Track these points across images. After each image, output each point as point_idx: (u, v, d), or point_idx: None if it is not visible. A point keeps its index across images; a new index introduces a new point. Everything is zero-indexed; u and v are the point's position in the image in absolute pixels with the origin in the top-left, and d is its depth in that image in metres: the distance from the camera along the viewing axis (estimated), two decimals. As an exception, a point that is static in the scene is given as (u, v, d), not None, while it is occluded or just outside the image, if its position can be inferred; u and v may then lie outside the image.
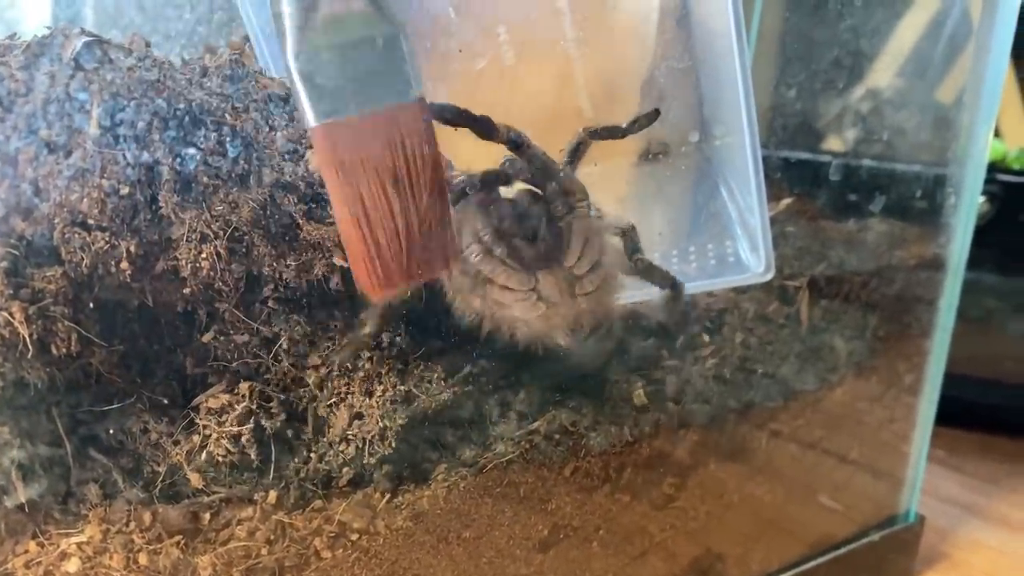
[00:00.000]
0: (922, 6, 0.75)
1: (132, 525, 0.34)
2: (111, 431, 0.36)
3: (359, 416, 0.37)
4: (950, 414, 0.63)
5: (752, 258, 0.47)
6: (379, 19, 0.29)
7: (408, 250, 0.30)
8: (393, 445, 0.37)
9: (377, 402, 0.37)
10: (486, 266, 0.37)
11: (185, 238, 0.33)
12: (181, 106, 0.31)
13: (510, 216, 0.37)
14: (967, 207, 0.59)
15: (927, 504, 0.64)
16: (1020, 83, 0.99)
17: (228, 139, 0.32)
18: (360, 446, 0.36)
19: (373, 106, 0.29)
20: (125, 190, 0.31)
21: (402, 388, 0.37)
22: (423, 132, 0.30)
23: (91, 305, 0.33)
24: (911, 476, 0.61)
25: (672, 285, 0.43)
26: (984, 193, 0.74)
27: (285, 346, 0.38)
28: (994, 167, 0.85)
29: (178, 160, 0.31)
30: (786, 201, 0.56)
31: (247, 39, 0.41)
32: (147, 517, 0.35)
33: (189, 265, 0.34)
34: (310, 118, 0.28)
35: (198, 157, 0.32)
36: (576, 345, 0.40)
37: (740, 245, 0.48)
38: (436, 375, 0.40)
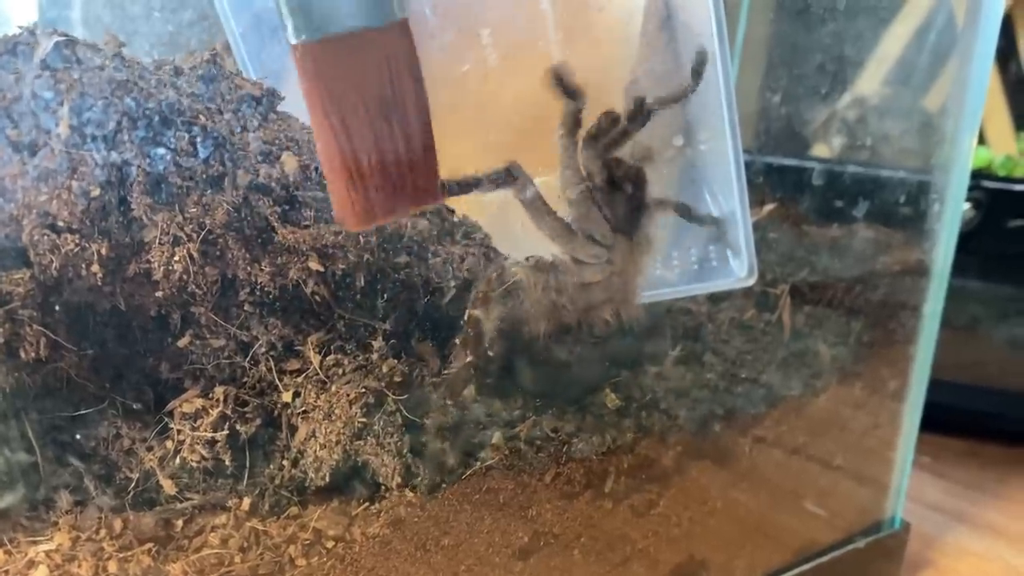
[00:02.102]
0: (909, 14, 0.75)
1: (102, 532, 0.34)
2: (82, 437, 0.36)
3: (313, 434, 0.36)
4: (935, 420, 0.63)
5: (735, 263, 0.46)
6: None
7: (391, 180, 0.29)
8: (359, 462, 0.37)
9: (337, 428, 0.36)
10: (581, 207, 0.38)
11: (158, 240, 0.33)
12: (151, 106, 0.31)
13: (623, 169, 0.38)
14: (951, 213, 0.59)
15: (912, 510, 0.63)
16: (1005, 90, 0.99)
17: (200, 140, 0.32)
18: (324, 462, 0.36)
19: (357, 24, 0.27)
20: (95, 191, 0.31)
21: (363, 420, 0.37)
22: (407, 54, 0.28)
23: (61, 308, 0.33)
24: (896, 482, 0.61)
25: None
26: (970, 200, 0.74)
27: (262, 350, 0.37)
28: (980, 174, 0.86)
29: (149, 161, 0.31)
30: (769, 207, 0.56)
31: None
32: (118, 524, 0.34)
33: (162, 268, 0.33)
34: (291, 35, 0.27)
35: (169, 158, 0.31)
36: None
37: (723, 250, 0.47)
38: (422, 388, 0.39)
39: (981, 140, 1.00)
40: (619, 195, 0.39)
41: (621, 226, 0.39)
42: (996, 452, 0.79)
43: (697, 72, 0.40)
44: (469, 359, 0.38)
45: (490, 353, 0.38)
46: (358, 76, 0.28)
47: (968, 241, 0.60)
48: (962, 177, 0.58)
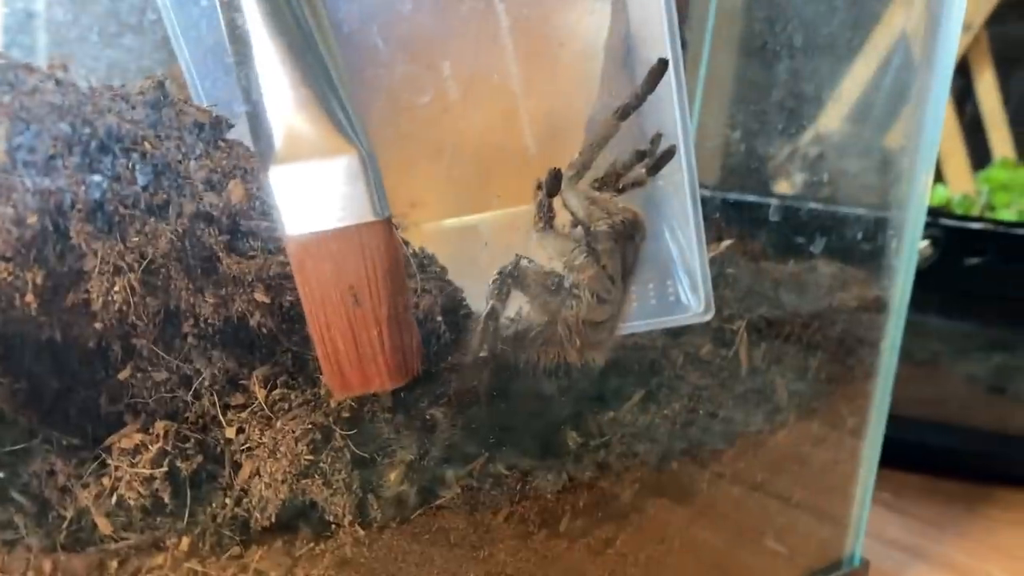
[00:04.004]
0: (870, 53, 0.77)
1: (30, 575, 0.32)
2: (13, 473, 0.34)
3: (258, 472, 0.35)
4: (895, 456, 0.63)
5: (692, 298, 0.46)
6: (345, 142, 0.31)
7: (364, 359, 0.33)
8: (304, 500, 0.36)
9: (283, 465, 0.35)
10: (606, 242, 0.38)
11: (97, 270, 0.32)
12: (87, 131, 0.30)
13: (637, 219, 0.40)
14: (908, 250, 0.59)
15: (872, 547, 0.63)
16: (962, 130, 1.01)
17: (142, 167, 0.31)
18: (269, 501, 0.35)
19: (339, 223, 0.31)
20: (31, 219, 0.30)
21: (309, 457, 0.36)
22: (384, 251, 0.32)
23: (-9, 340, 0.32)
24: (856, 519, 0.60)
25: None
26: (928, 237, 0.75)
27: (205, 384, 0.36)
28: (938, 212, 0.87)
29: (87, 188, 0.30)
30: (727, 243, 0.56)
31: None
32: (47, 565, 0.33)
33: (101, 298, 0.32)
34: (284, 228, 0.31)
35: (107, 185, 0.30)
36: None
37: (681, 285, 0.47)
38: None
39: (940, 179, 1.03)
40: (631, 243, 0.40)
41: (627, 270, 0.40)
42: (956, 488, 0.80)
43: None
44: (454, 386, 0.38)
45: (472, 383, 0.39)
46: (336, 269, 0.32)
47: (927, 278, 0.61)
48: (919, 214, 0.59)
